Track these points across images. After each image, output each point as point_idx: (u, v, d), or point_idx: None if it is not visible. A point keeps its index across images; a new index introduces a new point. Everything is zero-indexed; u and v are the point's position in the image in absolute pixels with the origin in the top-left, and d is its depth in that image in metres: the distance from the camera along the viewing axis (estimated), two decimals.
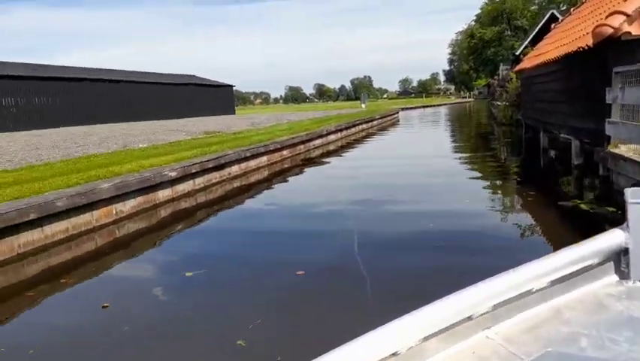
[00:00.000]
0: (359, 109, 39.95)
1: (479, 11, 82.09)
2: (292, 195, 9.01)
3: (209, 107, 47.23)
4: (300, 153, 14.20)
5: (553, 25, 16.19)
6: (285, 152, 13.12)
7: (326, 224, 6.48)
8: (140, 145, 10.93)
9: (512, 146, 15.36)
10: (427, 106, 66.64)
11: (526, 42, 32.29)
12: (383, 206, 7.31)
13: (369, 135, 21.43)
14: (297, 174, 11.07)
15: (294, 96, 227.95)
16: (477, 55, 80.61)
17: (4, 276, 4.75)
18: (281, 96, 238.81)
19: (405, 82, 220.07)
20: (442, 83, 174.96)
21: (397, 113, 37.12)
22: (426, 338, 1.18)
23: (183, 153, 9.55)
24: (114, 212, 6.65)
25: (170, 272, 4.89)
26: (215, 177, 9.53)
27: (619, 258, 1.60)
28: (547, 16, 31.37)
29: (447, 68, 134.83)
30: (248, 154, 10.81)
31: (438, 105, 69.86)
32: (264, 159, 11.86)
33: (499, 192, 8.47)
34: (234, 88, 55.45)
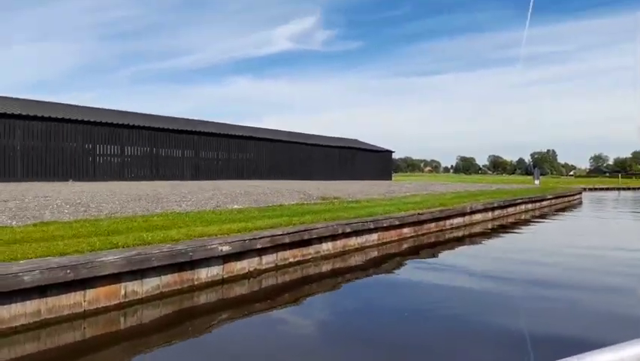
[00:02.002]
0: (531, 185, 34.62)
1: None
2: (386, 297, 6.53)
3: (368, 171, 47.00)
4: (428, 233, 11.51)
5: None
6: (405, 230, 10.63)
7: None
8: (235, 206, 9.76)
9: None
10: (624, 188, 55.50)
11: None
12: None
13: (532, 219, 17.35)
14: (405, 263, 8.50)
15: (465, 166, 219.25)
16: None
17: None
18: (452, 166, 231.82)
19: (597, 159, 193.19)
20: None
21: (580, 193, 30.90)
22: None
23: (263, 221, 7.93)
24: (123, 293, 5.17)
25: None
26: (294, 255, 7.63)
27: None
28: None
29: None
30: (348, 229, 8.71)
31: None
32: (374, 237, 9.59)
33: None
34: (405, 155, 55.19)
